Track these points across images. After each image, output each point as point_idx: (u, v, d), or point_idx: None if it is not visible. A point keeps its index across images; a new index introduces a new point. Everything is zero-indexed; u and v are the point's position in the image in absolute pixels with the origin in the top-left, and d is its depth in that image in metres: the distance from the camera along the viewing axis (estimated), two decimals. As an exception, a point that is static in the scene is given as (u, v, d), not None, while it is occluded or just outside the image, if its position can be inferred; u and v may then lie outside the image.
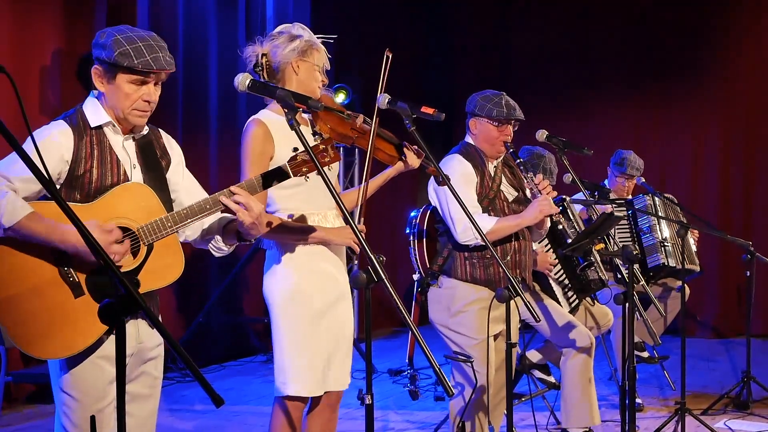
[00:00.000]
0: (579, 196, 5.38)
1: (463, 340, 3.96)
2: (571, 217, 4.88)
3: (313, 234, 3.20)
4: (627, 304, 3.90)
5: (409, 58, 9.23)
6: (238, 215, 2.68)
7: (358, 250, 3.22)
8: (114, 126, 2.69)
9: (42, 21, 5.68)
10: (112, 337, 2.61)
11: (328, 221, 3.27)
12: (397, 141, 3.41)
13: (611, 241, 5.01)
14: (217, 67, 7.22)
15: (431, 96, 9.48)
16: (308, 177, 2.84)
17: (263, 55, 3.27)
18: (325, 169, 2.73)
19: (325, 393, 3.25)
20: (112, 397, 2.66)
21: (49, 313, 2.51)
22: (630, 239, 6.04)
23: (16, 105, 2.18)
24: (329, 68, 3.38)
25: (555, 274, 4.71)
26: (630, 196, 6.19)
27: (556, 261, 4.71)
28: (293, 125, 2.62)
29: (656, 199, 6.00)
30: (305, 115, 3.29)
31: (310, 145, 2.66)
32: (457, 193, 3.27)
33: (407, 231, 4.22)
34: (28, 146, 2.25)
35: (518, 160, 4.04)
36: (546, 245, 4.72)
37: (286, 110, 2.67)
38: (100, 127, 2.67)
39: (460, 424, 3.92)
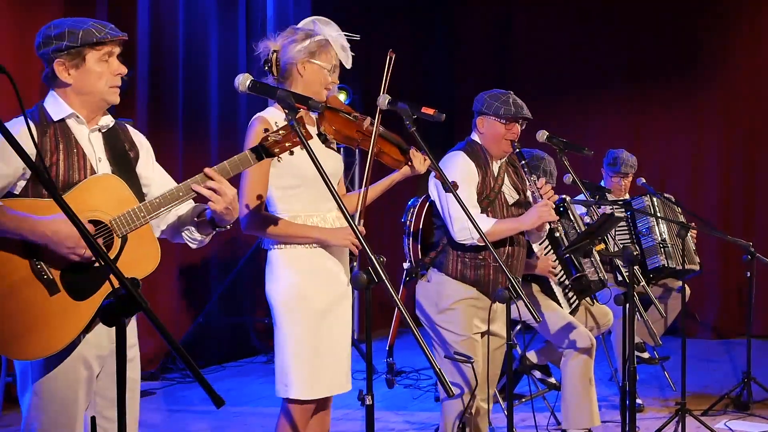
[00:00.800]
0: (579, 197, 5.38)
1: (450, 337, 3.96)
2: (572, 218, 4.88)
3: (310, 234, 3.19)
4: (627, 305, 3.90)
5: (410, 58, 9.22)
6: (211, 201, 2.63)
7: (357, 252, 3.21)
8: (78, 117, 2.65)
9: (42, 21, 5.59)
10: (88, 338, 2.58)
11: (327, 223, 3.25)
12: (405, 146, 3.38)
13: (612, 241, 5.00)
14: (217, 67, 7.22)
15: (432, 96, 9.48)
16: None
17: (274, 51, 3.25)
18: (325, 169, 2.71)
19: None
20: (83, 402, 2.61)
21: (24, 314, 2.46)
22: (629, 241, 6.04)
23: (16, 105, 2.17)
24: (349, 67, 3.32)
25: (556, 276, 4.71)
26: (628, 195, 6.19)
27: (557, 262, 4.71)
28: (294, 125, 2.62)
29: (655, 199, 6.00)
30: (313, 115, 3.28)
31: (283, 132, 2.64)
32: (457, 195, 3.27)
33: (403, 219, 4.20)
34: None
35: (523, 161, 4.04)
36: (546, 247, 4.72)
37: (286, 111, 2.67)
38: (63, 120, 2.63)
39: (460, 426, 3.92)
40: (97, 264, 2.54)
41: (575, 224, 4.86)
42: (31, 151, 2.49)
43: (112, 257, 2.54)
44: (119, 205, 2.58)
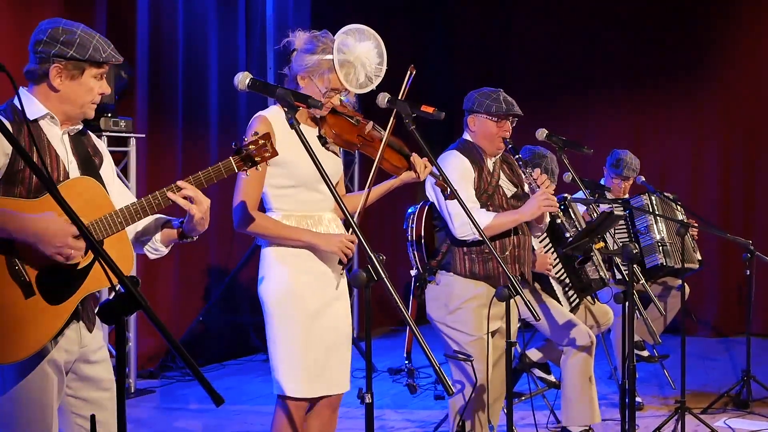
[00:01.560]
0: (579, 195, 5.38)
1: (461, 337, 3.96)
2: (573, 216, 4.88)
3: (301, 237, 3.17)
4: (627, 303, 3.90)
5: (409, 57, 9.20)
6: (189, 210, 2.64)
7: (346, 260, 3.16)
8: (52, 118, 2.63)
9: (42, 20, 5.67)
10: (60, 342, 2.56)
11: (322, 224, 3.24)
12: (408, 151, 3.36)
13: (611, 239, 5.01)
14: (217, 67, 7.21)
15: (431, 96, 9.47)
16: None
17: (294, 50, 3.24)
18: (325, 170, 2.70)
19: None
20: (56, 406, 2.58)
21: None
22: (628, 240, 6.03)
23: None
24: (354, 92, 3.27)
25: (555, 273, 4.71)
26: (627, 196, 6.18)
27: (556, 261, 4.71)
28: (293, 124, 2.62)
29: (654, 198, 5.99)
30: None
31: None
32: (459, 195, 3.27)
33: (405, 226, 4.20)
34: None
35: (517, 156, 4.03)
36: (546, 245, 4.72)
37: (285, 109, 2.67)
38: (35, 121, 2.61)
39: (460, 423, 3.92)
40: (79, 267, 2.51)
41: (576, 222, 4.86)
42: (7, 150, 2.49)
43: (88, 261, 2.53)
44: (96, 210, 2.55)
